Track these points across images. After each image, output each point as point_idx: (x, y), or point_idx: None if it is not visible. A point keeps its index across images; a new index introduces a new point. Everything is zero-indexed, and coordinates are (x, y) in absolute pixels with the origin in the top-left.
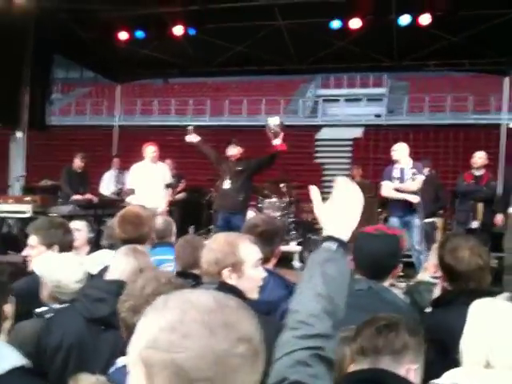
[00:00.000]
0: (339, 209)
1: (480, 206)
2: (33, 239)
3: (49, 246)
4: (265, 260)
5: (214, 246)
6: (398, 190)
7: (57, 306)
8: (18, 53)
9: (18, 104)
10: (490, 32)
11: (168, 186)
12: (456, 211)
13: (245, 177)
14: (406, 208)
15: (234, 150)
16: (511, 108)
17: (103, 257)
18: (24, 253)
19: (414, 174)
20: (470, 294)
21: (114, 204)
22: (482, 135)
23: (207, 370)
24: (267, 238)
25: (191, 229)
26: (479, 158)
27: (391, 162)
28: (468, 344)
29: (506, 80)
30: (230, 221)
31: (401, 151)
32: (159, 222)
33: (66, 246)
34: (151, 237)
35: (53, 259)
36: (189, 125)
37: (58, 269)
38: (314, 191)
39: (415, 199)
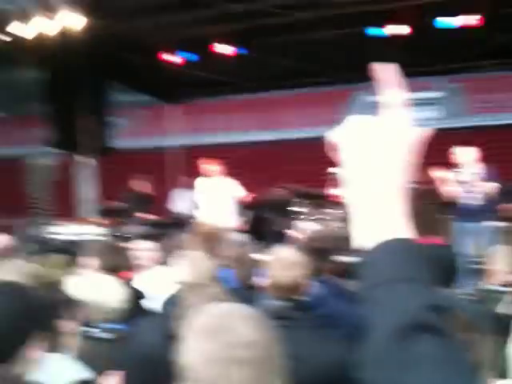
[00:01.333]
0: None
1: None
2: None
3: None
4: (316, 273)
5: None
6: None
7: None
8: (75, 80)
9: (78, 130)
10: None
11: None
12: None
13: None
14: (471, 213)
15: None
16: None
17: (164, 273)
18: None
19: (479, 180)
20: None
21: (185, 222)
22: None
23: (202, 371)
24: (321, 254)
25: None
26: None
27: (455, 166)
28: None
29: None
30: None
31: (463, 155)
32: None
33: (122, 269)
34: (218, 253)
35: (92, 280)
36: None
37: (98, 289)
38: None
39: (481, 191)
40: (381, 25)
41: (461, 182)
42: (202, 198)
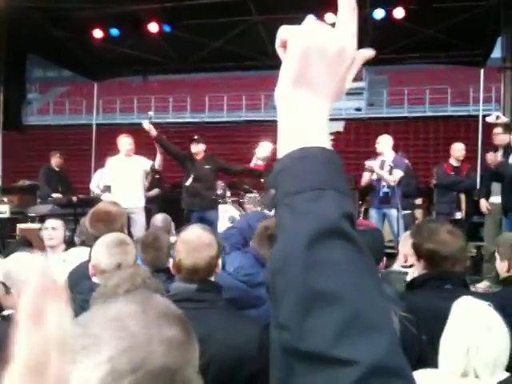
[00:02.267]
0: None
1: (463, 197)
2: None
3: None
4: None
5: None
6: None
7: None
8: None
9: None
10: (464, 24)
11: (152, 170)
12: (437, 203)
13: (213, 175)
14: (384, 200)
15: (198, 148)
16: (488, 99)
17: (77, 254)
18: None
19: (390, 167)
20: (444, 277)
21: (94, 202)
22: (461, 127)
23: (179, 358)
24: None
25: (171, 226)
26: (459, 149)
27: (375, 154)
28: (446, 349)
29: (482, 72)
30: (204, 218)
31: (384, 144)
32: (159, 219)
33: None
34: (124, 233)
35: (21, 259)
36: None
37: (26, 269)
38: None
39: (390, 180)
40: (310, 12)
41: (369, 169)
42: (113, 177)
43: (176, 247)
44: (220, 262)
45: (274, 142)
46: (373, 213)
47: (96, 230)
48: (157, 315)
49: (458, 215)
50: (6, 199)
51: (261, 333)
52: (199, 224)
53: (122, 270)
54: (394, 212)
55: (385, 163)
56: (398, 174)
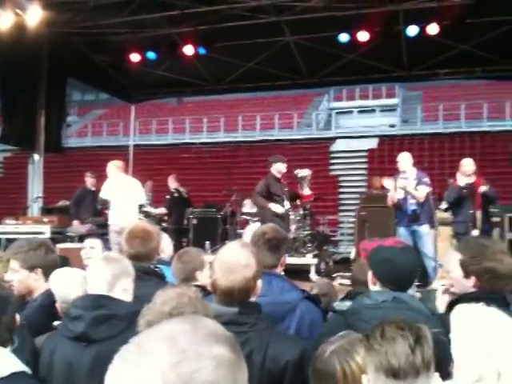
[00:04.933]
0: None
1: (478, 215)
2: (13, 263)
3: (30, 269)
4: (272, 267)
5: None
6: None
7: None
8: (32, 77)
9: (34, 127)
10: (499, 38)
11: (141, 206)
12: (454, 223)
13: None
14: (413, 217)
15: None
16: None
17: None
18: (7, 277)
19: (416, 184)
20: (496, 296)
21: None
22: (498, 142)
23: (227, 375)
24: (274, 245)
25: (207, 244)
26: (467, 165)
27: (398, 173)
28: (458, 357)
29: None
30: None
31: (404, 162)
32: None
33: (50, 267)
34: (158, 252)
35: (60, 275)
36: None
37: (62, 285)
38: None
39: (420, 196)
40: (344, 30)
41: (402, 188)
42: (113, 198)
43: (213, 265)
44: (259, 283)
45: (307, 159)
46: (402, 231)
47: (131, 247)
48: (207, 334)
49: (475, 233)
50: (46, 219)
51: (302, 353)
52: (239, 241)
53: (170, 290)
54: (424, 228)
55: (408, 180)
56: (425, 189)
